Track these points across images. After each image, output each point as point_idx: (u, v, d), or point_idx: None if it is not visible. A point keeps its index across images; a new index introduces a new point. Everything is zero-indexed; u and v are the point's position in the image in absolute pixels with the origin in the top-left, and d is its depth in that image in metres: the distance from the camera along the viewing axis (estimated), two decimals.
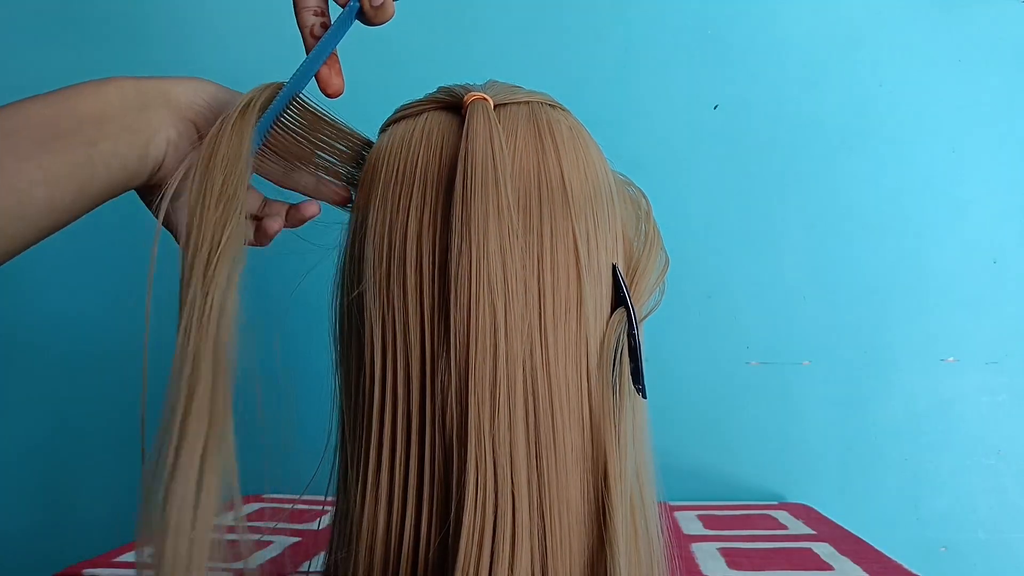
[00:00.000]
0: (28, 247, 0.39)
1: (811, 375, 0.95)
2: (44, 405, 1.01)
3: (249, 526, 0.79)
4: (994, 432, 0.93)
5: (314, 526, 0.78)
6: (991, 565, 0.92)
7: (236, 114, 0.38)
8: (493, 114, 0.38)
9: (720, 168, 0.96)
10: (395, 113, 0.42)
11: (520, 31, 0.97)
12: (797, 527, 0.80)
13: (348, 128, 0.45)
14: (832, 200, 0.95)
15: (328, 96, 0.44)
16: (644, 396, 0.39)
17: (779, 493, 0.94)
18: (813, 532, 0.78)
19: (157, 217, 0.39)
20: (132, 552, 0.70)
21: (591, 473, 0.36)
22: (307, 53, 0.43)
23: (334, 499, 0.41)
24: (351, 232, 0.40)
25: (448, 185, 0.36)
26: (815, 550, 0.71)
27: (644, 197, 0.46)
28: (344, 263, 0.41)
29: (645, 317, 0.41)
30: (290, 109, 0.43)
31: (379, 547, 0.36)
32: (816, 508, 0.89)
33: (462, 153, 0.36)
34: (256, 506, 0.87)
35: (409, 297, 0.36)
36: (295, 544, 0.73)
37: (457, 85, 0.41)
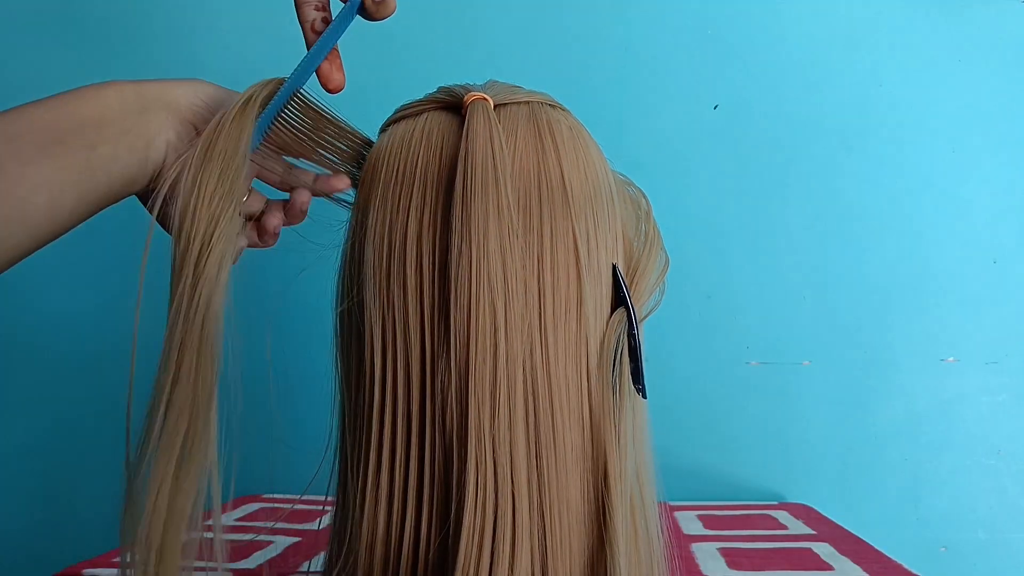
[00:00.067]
0: (26, 255, 0.39)
1: (811, 375, 0.95)
2: (43, 405, 1.01)
3: (249, 526, 0.79)
4: (994, 432, 0.93)
5: (314, 526, 0.78)
6: (991, 565, 0.92)
7: (235, 110, 0.38)
8: (493, 114, 0.38)
9: (720, 168, 0.96)
10: (395, 113, 0.42)
11: (520, 31, 0.97)
12: (797, 527, 0.80)
13: (349, 127, 0.45)
14: (832, 200, 0.95)
15: (329, 92, 0.44)
16: (644, 396, 0.39)
17: (779, 493, 0.94)
18: (813, 532, 0.78)
19: (152, 215, 0.39)
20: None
21: (591, 473, 0.36)
22: (308, 49, 0.43)
23: (334, 499, 0.41)
24: (351, 232, 0.40)
25: (448, 185, 0.36)
26: (815, 550, 0.71)
27: (644, 197, 0.46)
28: (344, 263, 0.41)
29: (645, 317, 0.41)
30: (291, 105, 0.43)
31: (379, 547, 0.36)
32: (816, 508, 0.89)
33: (462, 153, 0.36)
34: (256, 506, 0.87)
35: (409, 297, 0.36)
36: (295, 544, 0.73)
37: (457, 85, 0.41)
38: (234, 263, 0.46)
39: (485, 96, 0.39)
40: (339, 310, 0.41)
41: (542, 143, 0.38)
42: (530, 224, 0.36)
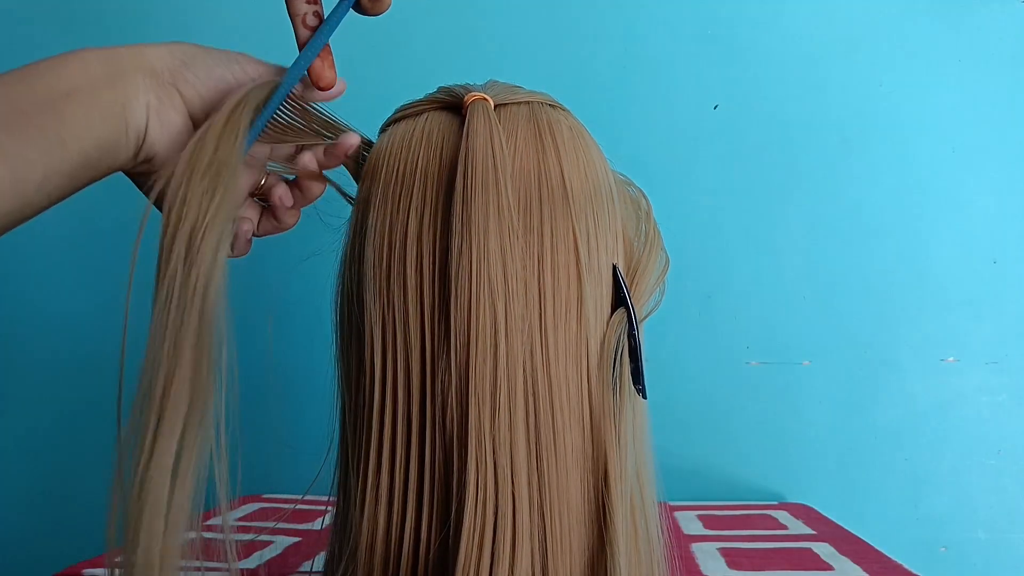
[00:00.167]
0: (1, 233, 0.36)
1: (811, 375, 0.95)
2: (43, 405, 1.01)
3: (249, 526, 0.79)
4: (994, 432, 0.93)
5: (314, 526, 0.78)
6: (991, 565, 0.92)
7: (225, 115, 0.36)
8: (493, 114, 0.38)
9: (720, 168, 0.96)
10: (395, 113, 0.42)
11: (520, 31, 0.97)
12: (797, 527, 0.80)
13: (348, 127, 0.45)
14: (832, 200, 0.95)
15: (320, 89, 0.42)
16: (644, 396, 0.39)
17: (779, 493, 0.94)
18: (813, 532, 0.78)
19: (149, 199, 0.37)
20: None
21: (591, 473, 0.36)
22: (298, 42, 0.42)
23: (335, 499, 0.41)
24: (351, 232, 0.40)
25: (448, 185, 0.36)
26: (815, 550, 0.71)
27: (644, 197, 0.46)
28: (344, 263, 0.41)
29: (645, 317, 0.41)
30: (286, 108, 0.42)
31: (379, 548, 0.36)
32: (816, 508, 0.89)
33: (462, 153, 0.36)
34: (256, 506, 0.87)
35: (409, 297, 0.36)
36: (295, 544, 0.73)
37: (457, 85, 0.41)
38: (245, 252, 0.45)
39: (485, 96, 0.39)
40: (339, 310, 0.41)
41: (542, 143, 0.38)
42: (530, 224, 0.36)
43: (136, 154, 0.38)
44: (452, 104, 0.40)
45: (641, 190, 0.46)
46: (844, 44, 0.96)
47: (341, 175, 0.46)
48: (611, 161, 0.43)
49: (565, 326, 0.36)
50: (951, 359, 0.94)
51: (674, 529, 0.78)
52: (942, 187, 0.94)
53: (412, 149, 0.38)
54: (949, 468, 0.93)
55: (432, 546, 0.35)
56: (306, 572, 0.66)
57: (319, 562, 0.58)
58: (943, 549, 0.92)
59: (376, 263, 0.37)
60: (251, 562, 0.68)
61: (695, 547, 0.72)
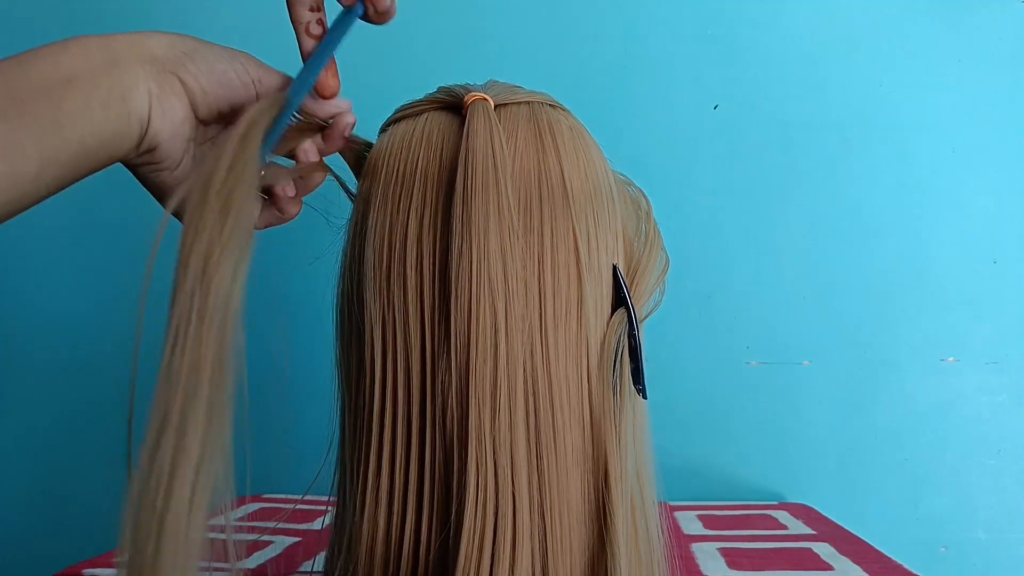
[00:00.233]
0: None
1: (811, 375, 0.95)
2: (43, 405, 1.01)
3: (249, 526, 0.79)
4: (994, 432, 0.93)
5: (314, 526, 0.78)
6: (991, 565, 0.92)
7: (238, 137, 0.34)
8: (493, 114, 0.38)
9: (720, 168, 0.96)
10: (395, 113, 0.42)
11: (520, 31, 0.97)
12: (797, 527, 0.80)
13: (340, 108, 0.45)
14: (832, 200, 0.95)
15: (324, 99, 0.42)
16: (644, 397, 0.39)
17: (779, 493, 0.94)
18: (813, 532, 0.78)
19: (167, 211, 0.36)
20: None
21: (591, 473, 0.36)
22: (302, 51, 0.42)
23: (334, 499, 0.41)
24: (351, 233, 0.40)
25: (448, 186, 0.36)
26: (815, 550, 0.71)
27: (644, 197, 0.46)
28: (345, 264, 0.41)
29: (645, 317, 0.41)
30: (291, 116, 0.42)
31: (379, 549, 0.36)
32: (816, 508, 0.89)
33: (462, 154, 0.36)
34: (256, 506, 0.87)
35: (409, 298, 0.36)
36: (295, 544, 0.73)
37: (457, 85, 0.41)
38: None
39: (485, 96, 0.39)
40: (339, 310, 0.41)
41: (542, 143, 0.38)
42: (530, 224, 0.36)
43: (139, 143, 0.37)
44: (452, 104, 0.40)
45: (641, 190, 0.46)
46: (844, 44, 0.96)
47: (341, 166, 0.46)
48: (611, 161, 0.43)
49: (565, 326, 0.36)
50: (951, 359, 0.94)
51: (674, 529, 0.78)
52: (942, 187, 0.94)
53: (412, 149, 0.38)
54: (949, 468, 0.93)
55: (432, 546, 0.35)
56: (306, 572, 0.66)
57: (319, 562, 0.58)
58: (943, 549, 0.92)
59: (376, 263, 0.37)
60: (251, 562, 0.68)
61: (695, 547, 0.72)
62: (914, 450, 0.93)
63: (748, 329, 0.95)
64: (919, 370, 0.94)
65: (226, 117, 0.40)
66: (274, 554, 0.70)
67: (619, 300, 0.39)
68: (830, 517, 0.85)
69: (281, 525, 0.79)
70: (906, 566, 0.65)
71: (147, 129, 0.37)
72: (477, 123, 0.37)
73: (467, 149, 0.36)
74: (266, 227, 0.45)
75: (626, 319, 0.38)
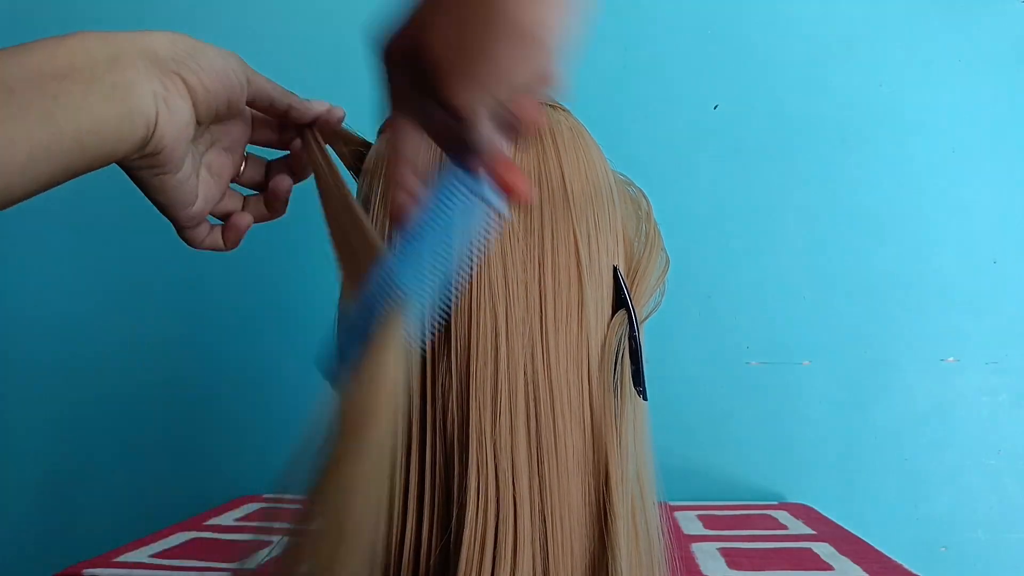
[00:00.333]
0: None
1: (811, 375, 0.95)
2: (43, 405, 1.01)
3: (249, 526, 0.79)
4: (994, 432, 0.93)
5: None
6: (991, 565, 0.92)
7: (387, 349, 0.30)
8: None
9: (720, 168, 0.96)
10: None
11: None
12: (797, 527, 0.80)
13: (346, 129, 0.45)
14: (832, 200, 0.95)
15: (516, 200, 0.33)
16: (645, 398, 0.39)
17: (779, 493, 0.94)
18: (813, 532, 0.78)
19: (193, 243, 0.35)
20: (132, 552, 0.70)
21: (592, 476, 0.36)
22: (390, 226, 0.34)
23: None
24: None
25: None
26: (815, 550, 0.71)
27: (644, 197, 0.46)
28: None
29: (646, 318, 0.41)
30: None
31: (380, 551, 0.35)
32: (816, 508, 0.89)
33: None
34: (256, 506, 0.87)
35: None
36: None
37: None
38: (235, 246, 0.45)
39: None
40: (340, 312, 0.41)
41: (542, 144, 0.38)
42: (531, 226, 0.36)
43: (143, 144, 0.35)
44: None
45: (641, 190, 0.46)
46: (844, 44, 0.96)
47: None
48: (611, 161, 0.43)
49: (566, 328, 0.36)
50: (951, 359, 0.94)
51: (674, 529, 0.78)
52: (942, 187, 0.94)
53: None
54: (949, 468, 0.93)
55: (433, 550, 0.34)
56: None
57: None
58: (943, 549, 0.92)
59: None
60: (251, 562, 0.68)
61: (695, 547, 0.72)
62: (914, 450, 0.93)
63: (748, 329, 0.95)
64: (919, 370, 0.94)
65: (222, 117, 0.40)
66: (274, 554, 0.70)
67: (619, 301, 0.39)
68: (830, 517, 0.85)
69: (281, 525, 0.78)
70: (906, 566, 0.65)
71: (153, 131, 0.35)
72: None
73: None
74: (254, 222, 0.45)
75: (627, 320, 0.38)
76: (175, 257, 0.93)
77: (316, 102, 0.43)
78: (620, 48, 0.97)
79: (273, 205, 0.45)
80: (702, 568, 0.66)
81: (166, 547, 0.71)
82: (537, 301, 0.35)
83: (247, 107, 0.42)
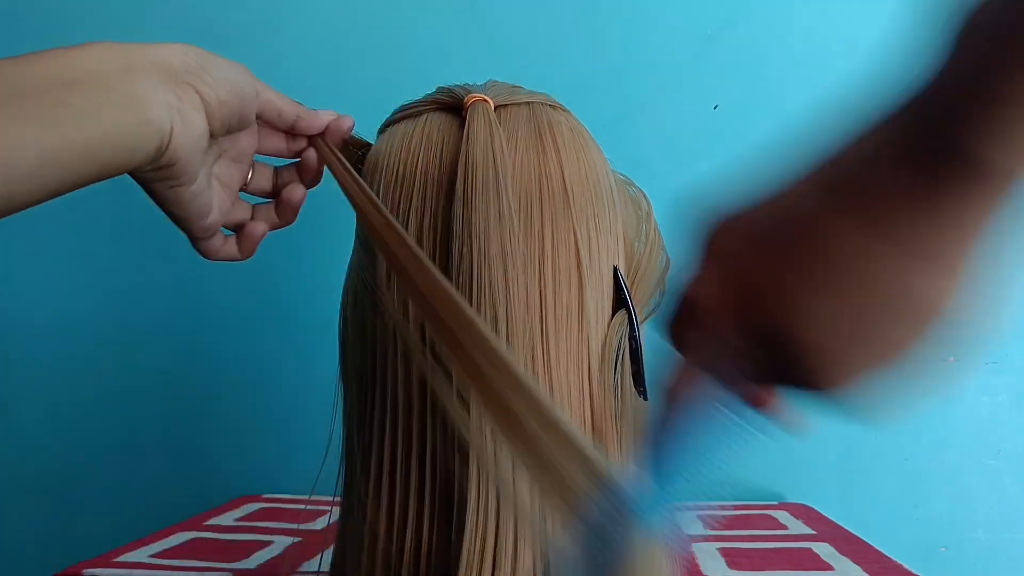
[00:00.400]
0: None
1: None
2: (43, 405, 1.01)
3: (249, 526, 0.79)
4: (994, 432, 0.93)
5: (314, 526, 0.78)
6: (991, 565, 0.92)
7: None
8: (493, 115, 0.38)
9: (720, 168, 0.96)
10: (394, 114, 0.42)
11: (520, 31, 0.97)
12: (797, 527, 0.80)
13: (354, 136, 0.45)
14: None
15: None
16: (646, 399, 0.39)
17: (779, 493, 0.94)
18: (813, 532, 0.78)
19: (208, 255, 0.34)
20: (132, 552, 0.70)
21: None
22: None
23: (338, 500, 0.41)
24: (357, 234, 0.40)
25: (449, 188, 0.36)
26: (815, 550, 0.71)
27: (644, 198, 0.46)
28: (351, 264, 0.41)
29: (646, 319, 0.41)
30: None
31: (380, 551, 0.36)
32: (816, 508, 0.89)
33: (462, 155, 0.36)
34: (256, 506, 0.87)
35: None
36: (295, 544, 0.73)
37: (457, 85, 0.41)
38: (251, 255, 0.45)
39: (485, 97, 0.38)
40: (344, 313, 0.41)
41: (543, 144, 0.38)
42: (531, 227, 0.36)
43: (157, 156, 0.35)
44: (452, 105, 0.40)
45: (641, 190, 0.46)
46: (844, 44, 0.96)
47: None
48: (611, 161, 0.43)
49: (566, 329, 0.36)
50: (951, 359, 0.94)
51: None
52: None
53: (412, 150, 0.38)
54: (949, 468, 0.93)
55: (434, 551, 0.34)
56: (308, 572, 0.66)
57: (319, 563, 0.58)
58: (943, 549, 0.92)
59: (378, 264, 0.37)
60: (251, 562, 0.68)
61: (695, 547, 0.72)
62: (914, 450, 0.93)
63: None
64: (919, 370, 0.93)
65: (233, 129, 0.40)
66: (274, 554, 0.70)
67: (620, 302, 0.39)
68: (830, 517, 0.85)
69: (280, 525, 0.79)
70: (906, 566, 0.65)
71: (168, 143, 0.35)
72: (477, 124, 0.37)
73: (467, 151, 0.36)
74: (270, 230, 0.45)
75: (627, 321, 0.38)
76: (175, 257, 0.93)
77: (323, 112, 0.43)
78: (620, 48, 0.97)
79: (284, 214, 0.45)
80: (702, 568, 0.66)
81: (166, 547, 0.71)
82: (537, 302, 0.35)
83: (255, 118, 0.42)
